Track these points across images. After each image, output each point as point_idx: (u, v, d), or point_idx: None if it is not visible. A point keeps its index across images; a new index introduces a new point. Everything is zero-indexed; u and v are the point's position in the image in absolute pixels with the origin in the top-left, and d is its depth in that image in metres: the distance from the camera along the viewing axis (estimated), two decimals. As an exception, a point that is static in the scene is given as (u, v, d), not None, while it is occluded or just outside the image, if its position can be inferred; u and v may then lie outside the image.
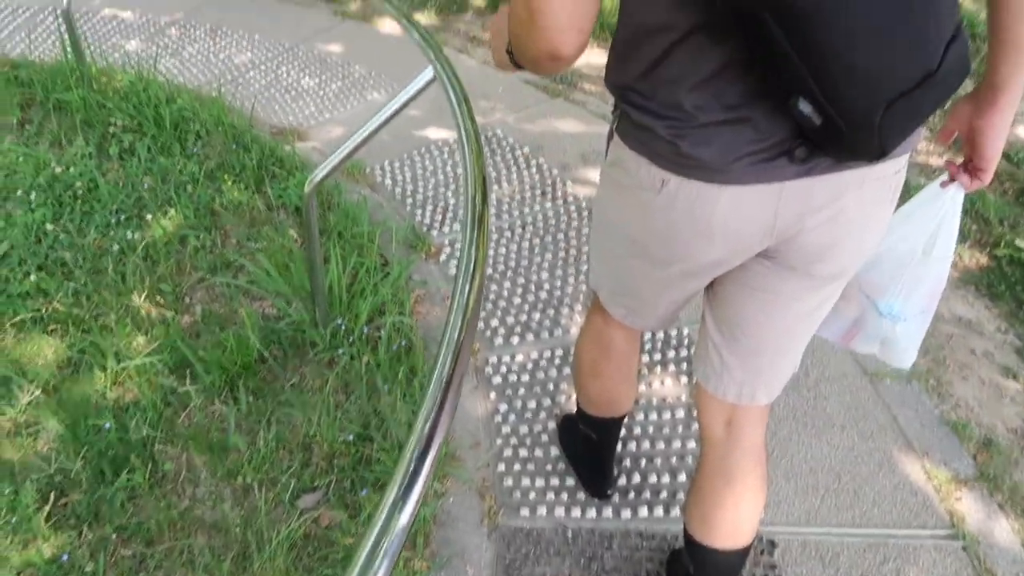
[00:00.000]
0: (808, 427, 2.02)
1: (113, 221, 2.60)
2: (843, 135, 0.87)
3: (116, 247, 2.48)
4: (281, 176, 2.83)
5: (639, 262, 1.19)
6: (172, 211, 2.63)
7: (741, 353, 1.24)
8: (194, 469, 1.88)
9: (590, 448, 1.79)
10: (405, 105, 1.72)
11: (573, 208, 2.78)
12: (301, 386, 2.09)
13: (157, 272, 2.40)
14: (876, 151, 0.90)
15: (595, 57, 3.77)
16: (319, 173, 1.84)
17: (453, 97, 1.55)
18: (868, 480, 1.88)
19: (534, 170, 2.98)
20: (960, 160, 1.17)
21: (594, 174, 2.94)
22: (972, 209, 2.77)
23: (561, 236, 2.64)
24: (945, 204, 1.18)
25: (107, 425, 1.90)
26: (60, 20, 3.19)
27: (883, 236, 1.14)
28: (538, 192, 2.87)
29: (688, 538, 1.44)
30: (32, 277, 2.33)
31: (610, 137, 1.15)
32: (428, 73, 1.69)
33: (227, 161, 2.89)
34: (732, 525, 1.36)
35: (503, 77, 3.55)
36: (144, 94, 3.10)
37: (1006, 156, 3.09)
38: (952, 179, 1.16)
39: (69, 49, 3.25)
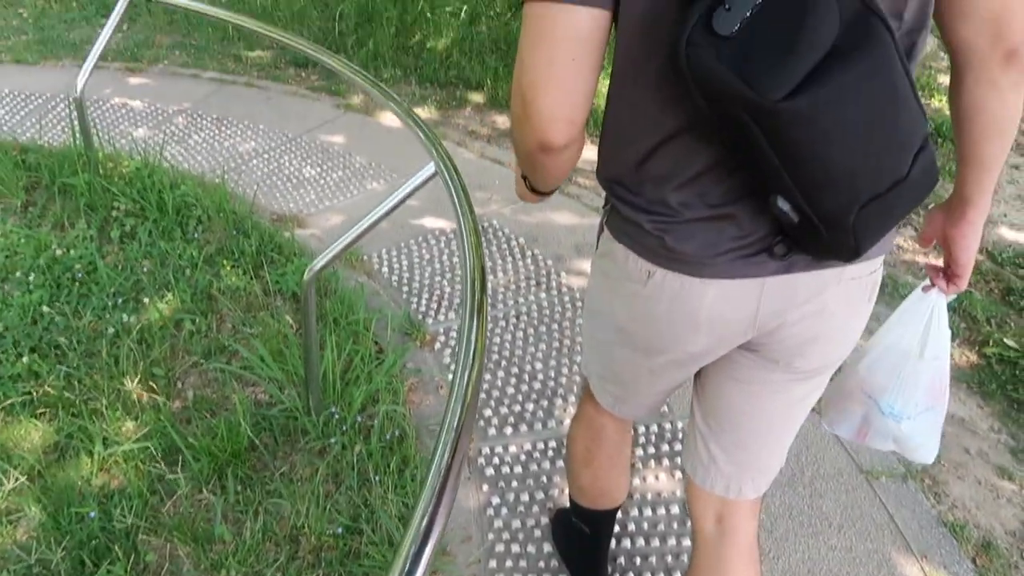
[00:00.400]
0: (805, 526, 1.99)
1: (110, 304, 2.61)
2: (820, 233, 0.91)
3: (111, 330, 2.48)
4: (279, 262, 2.86)
5: (626, 351, 1.21)
6: (169, 295, 2.65)
7: (727, 445, 1.26)
8: (177, 561, 1.83)
9: (583, 544, 1.76)
10: (406, 198, 1.76)
11: (567, 299, 2.81)
12: (291, 475, 2.06)
13: (151, 356, 2.40)
14: (851, 251, 0.93)
15: (588, 151, 3.89)
16: (319, 262, 1.86)
17: (453, 191, 1.60)
18: (867, 583, 1.85)
19: (529, 260, 3.03)
20: (939, 264, 1.21)
21: (588, 265, 2.97)
22: (960, 307, 2.82)
23: (555, 327, 2.66)
24: (931, 307, 1.23)
25: (91, 514, 1.86)
26: (72, 107, 3.28)
27: (860, 334, 1.18)
28: (533, 282, 2.90)
29: None
30: (25, 359, 2.32)
31: (601, 230, 1.20)
32: (429, 168, 1.75)
33: (227, 246, 2.93)
34: None
35: (499, 170, 3.65)
36: (149, 179, 3.17)
37: (991, 256, 3.16)
38: (932, 284, 1.22)
39: (78, 135, 3.33)
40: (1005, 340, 2.65)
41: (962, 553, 1.94)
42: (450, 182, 1.65)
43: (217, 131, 4.01)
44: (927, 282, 1.24)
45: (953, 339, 2.69)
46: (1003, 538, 2.00)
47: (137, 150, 3.49)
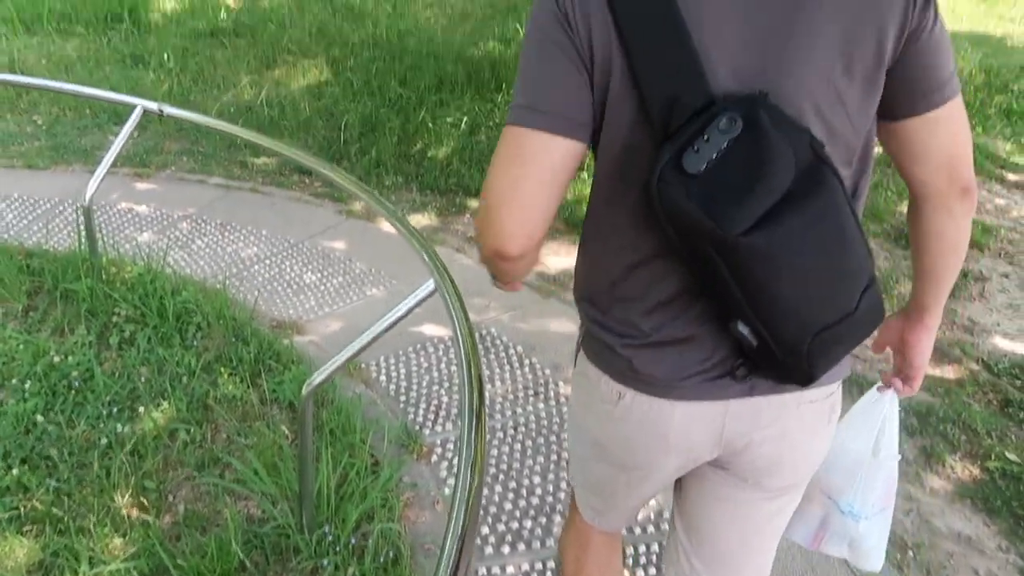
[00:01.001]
0: (813, 655, 1.92)
1: (105, 413, 2.59)
2: (776, 357, 0.98)
3: (104, 440, 2.45)
4: (277, 370, 2.86)
5: (603, 465, 1.26)
6: (165, 403, 2.63)
7: (708, 560, 1.32)
8: None
9: None
10: (405, 315, 1.79)
11: (566, 409, 2.79)
12: (281, 598, 1.99)
13: (143, 468, 2.36)
14: (805, 376, 1.00)
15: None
16: (317, 377, 1.87)
17: (452, 309, 1.63)
18: None
19: (527, 369, 3.03)
20: (892, 367, 1.31)
21: (586, 374, 2.99)
22: (959, 420, 2.80)
23: (554, 438, 2.64)
24: (884, 408, 1.31)
25: (71, 640, 1.79)
26: (79, 212, 3.35)
27: (824, 453, 1.24)
28: (531, 392, 2.90)
29: None
30: (15, 471, 2.28)
31: (577, 349, 1.26)
32: (429, 284, 1.78)
33: (225, 354, 2.94)
34: None
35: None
36: (151, 285, 3.20)
37: (987, 367, 3.17)
38: (887, 386, 1.31)
39: (84, 240, 3.39)
40: (1007, 454, 2.63)
41: None
42: (448, 299, 1.68)
43: (221, 236, 4.09)
44: (880, 384, 1.32)
45: (954, 452, 2.68)
46: (1019, 669, 1.93)
47: (141, 255, 3.54)
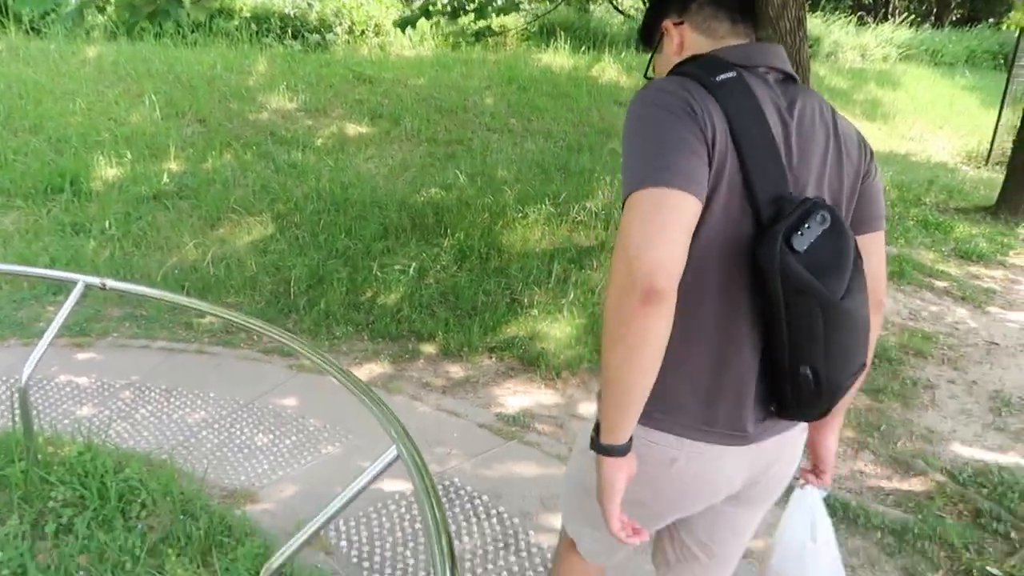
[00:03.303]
0: None
1: (38, 614, 2.36)
2: (821, 397, 1.23)
3: (37, 647, 2.22)
4: (230, 547, 2.69)
5: (632, 517, 1.32)
6: (106, 597, 2.43)
7: (704, 560, 1.57)
8: None
9: None
10: (366, 487, 1.71)
11: (538, 560, 2.67)
12: None
13: (81, 676, 2.14)
14: (824, 411, 1.28)
15: (545, 397, 3.93)
16: (276, 560, 1.75)
17: (416, 475, 1.57)
18: None
19: (495, 520, 2.91)
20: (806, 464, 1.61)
21: (555, 520, 2.88)
22: (935, 535, 2.77)
23: (528, 595, 2.50)
24: (809, 501, 1.60)
25: None
26: (13, 392, 3.20)
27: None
28: (500, 544, 2.77)
29: None
30: None
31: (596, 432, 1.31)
32: (391, 452, 1.72)
33: (172, 533, 2.75)
34: None
35: (457, 423, 3.63)
36: (91, 464, 3.03)
37: (952, 477, 3.18)
38: (806, 482, 1.61)
39: (18, 421, 3.22)
40: (988, 568, 2.59)
41: None
42: (411, 465, 1.62)
43: (166, 403, 3.94)
44: (802, 482, 1.62)
45: (936, 572, 2.62)
46: None
47: (80, 431, 3.37)
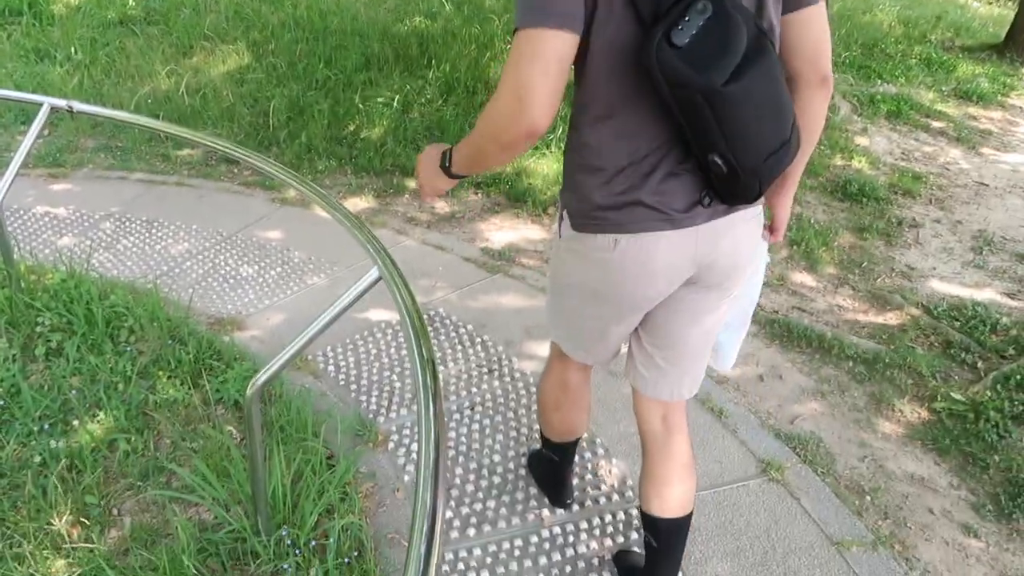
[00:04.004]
0: (783, 608, 1.93)
1: (36, 429, 2.44)
2: (738, 180, 1.28)
3: (37, 458, 2.31)
4: (219, 369, 2.74)
5: (597, 307, 1.55)
6: (101, 414, 2.50)
7: (673, 360, 1.64)
8: None
9: (552, 469, 2.19)
10: (349, 306, 1.71)
11: (521, 385, 2.76)
12: (241, 605, 1.91)
13: (82, 483, 2.24)
14: (755, 193, 1.32)
15: (532, 232, 3.91)
16: (261, 376, 1.78)
17: (398, 294, 1.56)
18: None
19: (479, 347, 2.98)
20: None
21: (539, 348, 2.95)
22: (905, 364, 2.87)
23: (511, 415, 2.60)
24: (759, 249, 1.66)
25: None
26: (-10, 221, 3.14)
27: (757, 259, 1.63)
28: (484, 370, 2.85)
29: (646, 517, 1.78)
30: (-60, 500, 2.13)
31: (559, 233, 1.53)
32: (373, 273, 1.70)
33: (162, 356, 2.80)
34: (680, 496, 1.73)
35: (442, 256, 3.63)
36: (75, 291, 3.03)
37: (927, 310, 3.25)
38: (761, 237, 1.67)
39: (-2, 249, 3.18)
40: (952, 394, 2.70)
41: (942, 622, 1.91)
42: (393, 284, 1.61)
43: (148, 234, 3.90)
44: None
45: (902, 396, 2.73)
46: (979, 601, 1.99)
47: (62, 260, 3.35)
